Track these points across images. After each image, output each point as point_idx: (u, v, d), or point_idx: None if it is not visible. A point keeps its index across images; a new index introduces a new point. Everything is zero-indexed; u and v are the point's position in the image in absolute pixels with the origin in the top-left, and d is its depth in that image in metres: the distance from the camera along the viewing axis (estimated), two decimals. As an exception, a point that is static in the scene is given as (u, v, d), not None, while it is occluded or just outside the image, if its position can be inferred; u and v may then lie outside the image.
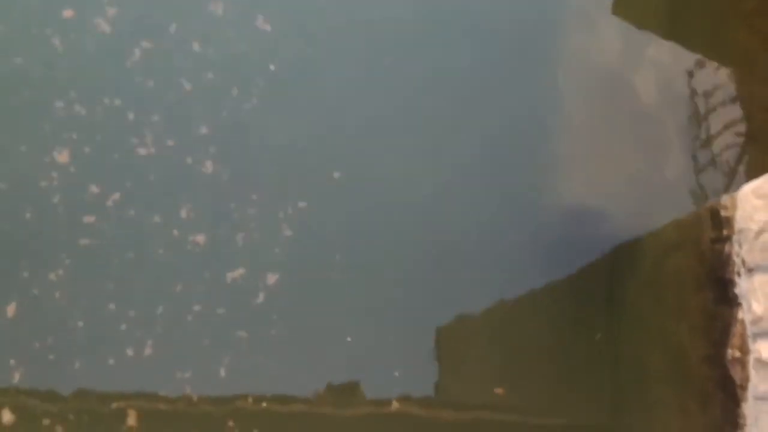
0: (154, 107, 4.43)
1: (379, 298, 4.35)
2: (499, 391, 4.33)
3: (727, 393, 3.30)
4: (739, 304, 3.30)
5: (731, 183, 4.82)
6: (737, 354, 3.29)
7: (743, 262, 3.29)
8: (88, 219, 4.27)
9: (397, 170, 4.49)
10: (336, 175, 4.48)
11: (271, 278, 4.34)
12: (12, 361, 4.09)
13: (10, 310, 4.15)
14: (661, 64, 4.99)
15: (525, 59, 4.80)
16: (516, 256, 4.52)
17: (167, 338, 4.19)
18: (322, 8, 4.70)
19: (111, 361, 4.13)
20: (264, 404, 4.20)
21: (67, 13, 4.48)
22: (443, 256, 4.45)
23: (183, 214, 4.36)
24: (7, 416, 4.04)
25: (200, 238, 4.35)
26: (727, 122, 4.94)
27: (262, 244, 4.34)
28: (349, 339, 4.33)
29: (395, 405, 4.30)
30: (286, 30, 4.64)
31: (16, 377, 4.05)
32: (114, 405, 4.13)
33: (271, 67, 4.59)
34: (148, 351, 4.16)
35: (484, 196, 4.56)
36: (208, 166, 4.40)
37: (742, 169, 4.86)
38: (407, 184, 4.48)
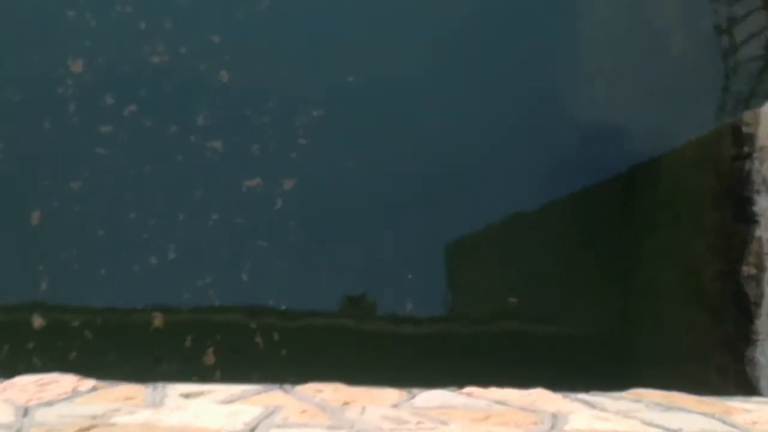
0: (166, 13, 4.17)
1: (395, 209, 4.17)
2: (512, 300, 4.22)
3: (741, 309, 3.17)
4: (756, 222, 3.13)
5: (753, 96, 4.56)
6: (753, 271, 3.14)
7: (764, 179, 3.10)
8: (105, 129, 4.07)
9: (415, 79, 4.24)
10: (350, 78, 4.27)
11: (288, 184, 4.17)
12: (40, 267, 3.97)
13: (35, 217, 3.99)
14: None
15: None
16: (531, 171, 4.32)
17: (189, 245, 4.05)
18: None
19: (135, 268, 4.01)
20: (284, 307, 4.11)
21: None
22: (460, 169, 4.24)
23: (200, 121, 4.15)
24: (38, 321, 3.94)
25: (217, 144, 4.16)
26: (750, 32, 4.64)
27: (278, 152, 4.17)
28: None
29: (408, 317, 4.22)
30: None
31: (44, 286, 3.94)
32: (140, 308, 4.04)
33: (285, -29, 4.32)
34: (170, 258, 4.03)
35: (503, 110, 4.32)
36: (223, 75, 4.16)
37: (764, 81, 4.59)
38: (426, 95, 4.24)
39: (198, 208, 4.07)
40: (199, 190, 4.07)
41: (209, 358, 3.98)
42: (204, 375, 3.95)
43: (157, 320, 4.02)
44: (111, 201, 4.02)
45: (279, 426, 2.04)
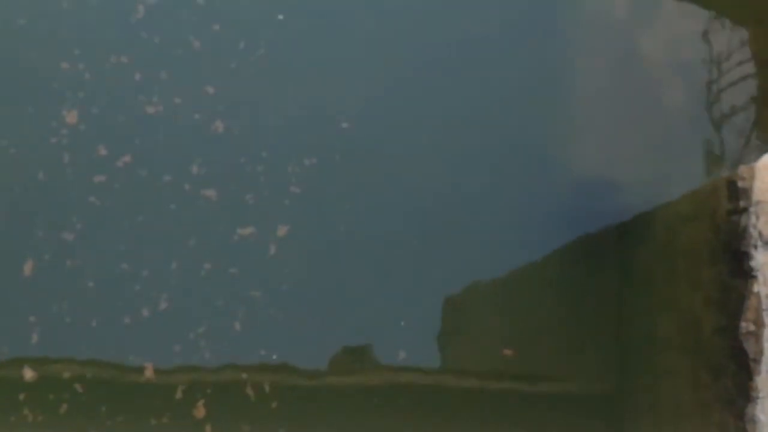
0: (161, 64, 4.05)
1: (388, 258, 4.01)
2: (507, 352, 4.03)
3: (740, 365, 2.98)
4: (754, 277, 2.95)
5: (747, 152, 4.40)
6: (751, 327, 2.95)
7: (760, 234, 2.93)
8: (99, 179, 3.96)
9: (410, 128, 4.11)
10: (344, 125, 4.14)
11: (282, 230, 4.03)
12: (32, 318, 3.84)
13: (27, 268, 3.87)
14: (673, 26, 4.50)
15: (532, 25, 4.33)
16: (526, 224, 4.15)
17: (181, 296, 3.91)
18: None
19: (126, 320, 3.87)
20: (275, 357, 3.94)
21: (70, -32, 4.10)
22: (453, 222, 4.09)
23: (194, 170, 4.03)
24: (29, 374, 3.80)
25: (211, 193, 4.04)
26: (742, 87, 4.47)
27: (272, 200, 4.02)
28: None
29: (402, 370, 4.04)
30: (294, -21, 4.27)
31: (35, 338, 3.80)
32: (131, 359, 3.89)
33: (280, 17, 4.19)
34: (162, 309, 3.89)
35: (495, 164, 4.16)
36: (218, 124, 4.06)
37: (758, 137, 4.44)
38: (421, 143, 4.08)
39: (191, 257, 3.97)
40: (193, 238, 3.98)
41: (199, 411, 3.83)
42: (194, 428, 3.82)
43: (148, 372, 3.88)
44: (103, 251, 3.93)
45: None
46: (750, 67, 4.52)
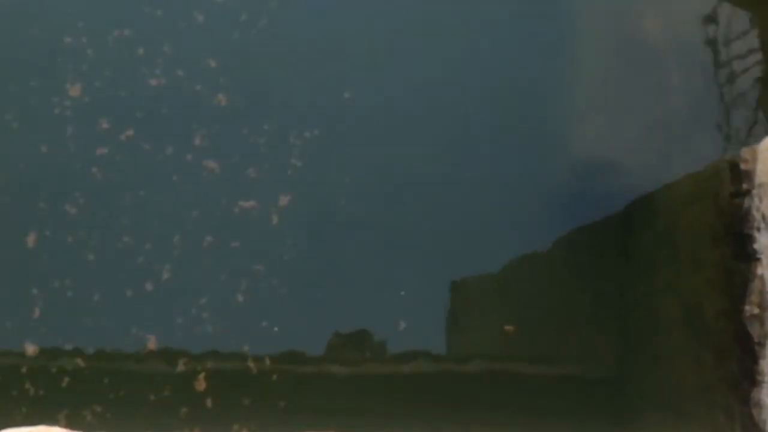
0: (164, 37, 3.89)
1: (390, 233, 3.83)
2: (508, 328, 3.85)
3: (745, 349, 2.78)
4: (758, 260, 2.74)
5: (750, 131, 4.16)
6: (756, 310, 2.74)
7: (763, 217, 2.72)
8: (101, 151, 3.81)
9: (412, 103, 3.92)
10: (346, 95, 3.95)
11: (284, 200, 3.87)
12: (34, 291, 3.73)
13: (31, 240, 3.76)
14: (677, 7, 4.25)
15: (533, 6, 4.10)
16: (528, 208, 3.93)
17: (183, 269, 3.77)
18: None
19: (129, 294, 3.74)
20: (276, 329, 3.80)
21: (73, -60, 3.94)
22: (454, 203, 3.88)
23: (196, 141, 3.88)
24: (31, 348, 3.70)
25: (214, 165, 3.88)
26: (743, 67, 4.22)
27: (274, 172, 3.85)
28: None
29: (404, 356, 3.88)
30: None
31: (37, 312, 3.69)
32: (133, 333, 3.78)
33: (284, -12, 4.03)
34: (164, 282, 3.76)
35: (498, 148, 3.97)
36: (220, 97, 3.89)
37: (761, 118, 4.20)
38: (423, 117, 3.90)
39: (194, 229, 3.83)
40: (195, 211, 3.84)
41: (200, 384, 3.71)
42: (195, 401, 3.70)
43: (150, 345, 3.77)
44: (105, 224, 3.80)
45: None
46: (752, 49, 4.31)
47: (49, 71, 3.82)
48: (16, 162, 3.80)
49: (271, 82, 3.88)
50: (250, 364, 3.76)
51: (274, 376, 3.74)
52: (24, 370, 3.65)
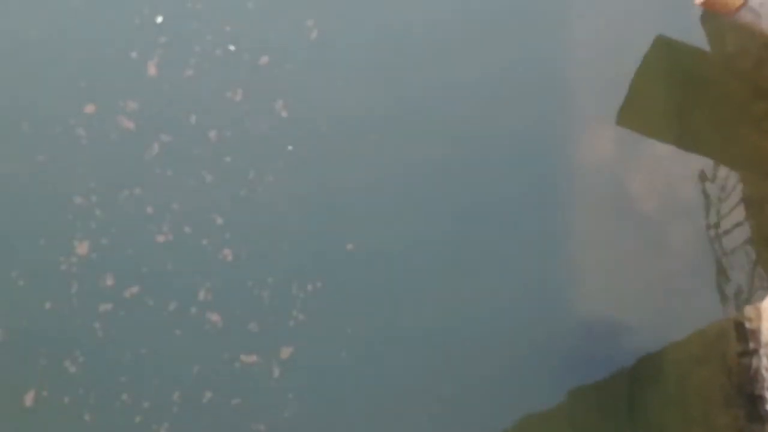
0: (173, 196, 3.96)
1: (392, 403, 3.73)
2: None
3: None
4: (770, 422, 2.62)
5: (751, 288, 4.12)
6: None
7: (773, 377, 2.63)
8: (105, 307, 3.78)
9: (414, 257, 3.91)
10: (349, 246, 3.94)
11: (285, 352, 3.77)
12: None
13: (29, 398, 3.64)
14: (671, 170, 4.39)
15: (534, 171, 4.23)
16: (535, 371, 3.87)
17: (182, 428, 3.63)
18: (339, 90, 4.22)
19: (125, 452, 3.59)
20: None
21: (89, 108, 4.11)
22: (462, 369, 3.81)
23: (201, 295, 3.84)
24: None
25: (217, 318, 3.82)
26: (741, 225, 4.29)
27: (277, 325, 3.79)
28: None
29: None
30: (305, 115, 4.16)
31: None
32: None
33: (289, 148, 4.11)
34: (162, 440, 3.61)
35: (503, 312, 3.94)
36: (226, 252, 3.91)
37: (760, 273, 4.20)
38: (425, 281, 3.90)
39: (194, 386, 3.71)
40: (196, 366, 3.73)
41: None
42: None
43: None
44: (104, 382, 3.69)
45: None
46: (745, 209, 4.36)
47: (57, 229, 3.87)
48: (19, 318, 3.77)
49: (276, 236, 3.91)
50: None
51: None
52: None
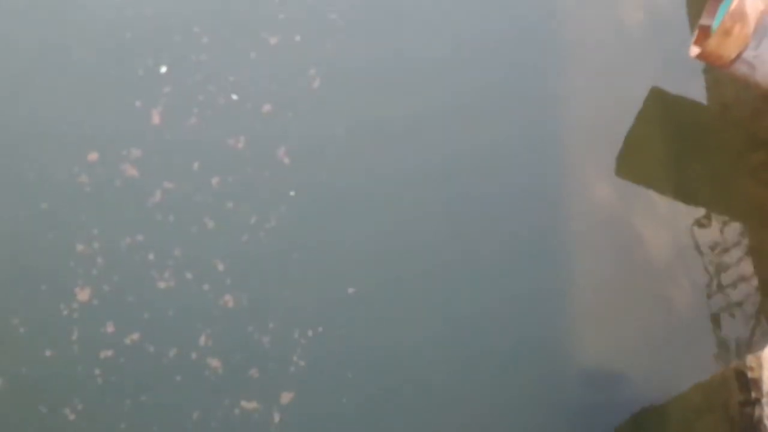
0: (175, 242, 3.97)
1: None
2: None
3: None
4: (777, 473, 2.60)
5: (753, 337, 4.12)
6: None
7: (776, 426, 2.61)
8: (105, 354, 3.75)
9: (411, 303, 3.91)
10: (350, 290, 3.94)
11: (286, 398, 3.72)
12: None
13: (28, 449, 3.60)
14: (670, 219, 4.42)
15: (534, 223, 4.26)
16: (536, 421, 3.83)
17: (181, 477, 3.59)
18: (341, 137, 4.28)
19: (123, 504, 3.52)
20: None
21: (93, 156, 4.15)
22: (462, 419, 3.75)
23: (201, 341, 3.81)
24: None
25: (217, 364, 3.79)
26: (741, 274, 4.32)
27: (277, 371, 3.76)
28: None
29: None
30: (307, 161, 4.20)
31: None
32: None
33: (291, 193, 4.13)
34: (160, 491, 3.55)
35: (504, 362, 3.93)
36: (227, 298, 3.90)
37: (762, 322, 4.20)
38: (425, 336, 3.88)
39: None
40: (196, 412, 3.68)
41: None
42: None
43: None
44: (104, 429, 3.64)
45: None
46: (746, 258, 4.38)
47: (59, 276, 3.87)
48: (18, 366, 3.74)
49: (277, 282, 3.91)
50: None
51: None
52: None
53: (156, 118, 4.28)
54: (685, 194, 4.50)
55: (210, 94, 4.36)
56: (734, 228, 4.48)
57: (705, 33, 4.48)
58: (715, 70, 4.61)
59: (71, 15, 4.53)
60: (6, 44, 4.39)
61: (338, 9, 4.66)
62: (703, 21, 4.52)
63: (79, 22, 4.51)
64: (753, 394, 2.84)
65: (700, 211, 4.48)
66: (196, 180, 4.12)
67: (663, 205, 4.47)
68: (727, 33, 4.24)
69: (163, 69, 4.39)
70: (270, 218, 4.01)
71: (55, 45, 4.42)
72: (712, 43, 4.30)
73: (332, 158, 4.21)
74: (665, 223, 4.42)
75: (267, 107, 4.36)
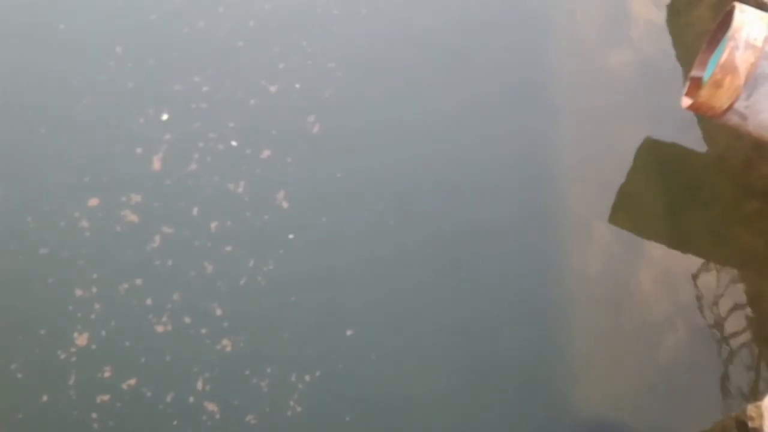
0: (173, 287, 3.98)
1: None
2: None
3: None
4: None
5: (753, 387, 4.12)
6: None
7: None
8: (102, 398, 3.73)
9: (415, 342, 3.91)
10: (348, 333, 3.92)
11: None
12: None
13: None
14: (669, 268, 4.44)
15: (529, 275, 4.27)
16: None
17: None
18: (339, 182, 4.34)
19: None
20: None
21: (93, 201, 4.18)
22: None
23: (199, 385, 3.79)
24: None
25: (214, 408, 3.76)
26: (739, 324, 4.32)
27: (275, 416, 3.72)
28: None
29: None
30: (305, 205, 4.25)
31: None
32: None
33: (290, 236, 4.18)
34: None
35: (504, 414, 3.88)
36: (225, 342, 3.89)
37: (761, 371, 4.20)
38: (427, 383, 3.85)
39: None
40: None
41: None
42: None
43: None
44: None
45: None
46: (744, 307, 4.40)
47: (57, 321, 3.87)
48: (15, 412, 3.71)
49: (275, 325, 3.91)
50: None
51: None
52: None
53: (156, 165, 4.33)
54: (680, 243, 4.53)
55: (210, 141, 4.43)
56: (730, 277, 4.51)
57: (696, 84, 4.55)
58: (707, 120, 4.69)
59: (75, 63, 4.65)
60: (8, 91, 4.49)
61: (337, 58, 4.81)
62: (694, 72, 4.59)
63: (82, 71, 4.63)
64: (754, 444, 2.81)
65: (696, 261, 4.50)
66: (195, 225, 4.16)
67: (662, 253, 4.51)
68: (718, 84, 4.29)
69: (164, 116, 4.47)
70: (268, 262, 4.05)
71: (58, 92, 4.53)
72: (704, 94, 4.36)
73: (330, 202, 4.27)
74: (664, 271, 4.43)
75: (266, 152, 4.42)
